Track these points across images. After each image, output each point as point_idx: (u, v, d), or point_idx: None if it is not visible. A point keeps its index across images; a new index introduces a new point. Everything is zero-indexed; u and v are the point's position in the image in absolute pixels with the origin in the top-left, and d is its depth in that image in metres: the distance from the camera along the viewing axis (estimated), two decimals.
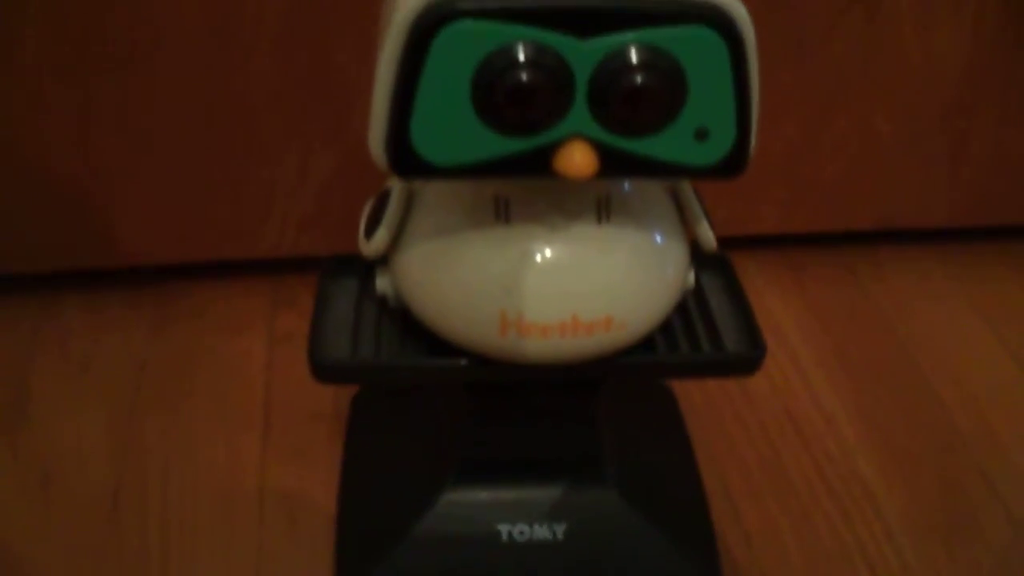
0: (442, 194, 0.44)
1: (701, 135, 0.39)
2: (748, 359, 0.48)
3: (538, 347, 0.43)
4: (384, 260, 0.47)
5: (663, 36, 0.37)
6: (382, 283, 0.47)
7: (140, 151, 0.66)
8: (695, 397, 0.65)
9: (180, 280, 0.72)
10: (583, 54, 0.37)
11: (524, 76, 0.36)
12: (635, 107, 0.37)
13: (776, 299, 0.74)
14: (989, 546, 0.58)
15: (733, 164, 0.40)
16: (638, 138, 0.38)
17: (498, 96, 0.37)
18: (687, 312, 0.50)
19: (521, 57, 0.36)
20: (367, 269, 0.49)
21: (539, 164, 0.38)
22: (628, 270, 0.43)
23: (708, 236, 0.46)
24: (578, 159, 0.38)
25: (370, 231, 0.45)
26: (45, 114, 0.63)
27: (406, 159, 0.38)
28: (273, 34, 0.62)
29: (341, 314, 0.49)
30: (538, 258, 0.42)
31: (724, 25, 0.37)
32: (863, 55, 0.69)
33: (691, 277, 0.48)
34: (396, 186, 0.44)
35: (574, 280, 0.42)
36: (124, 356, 0.67)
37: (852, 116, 0.72)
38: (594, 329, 0.43)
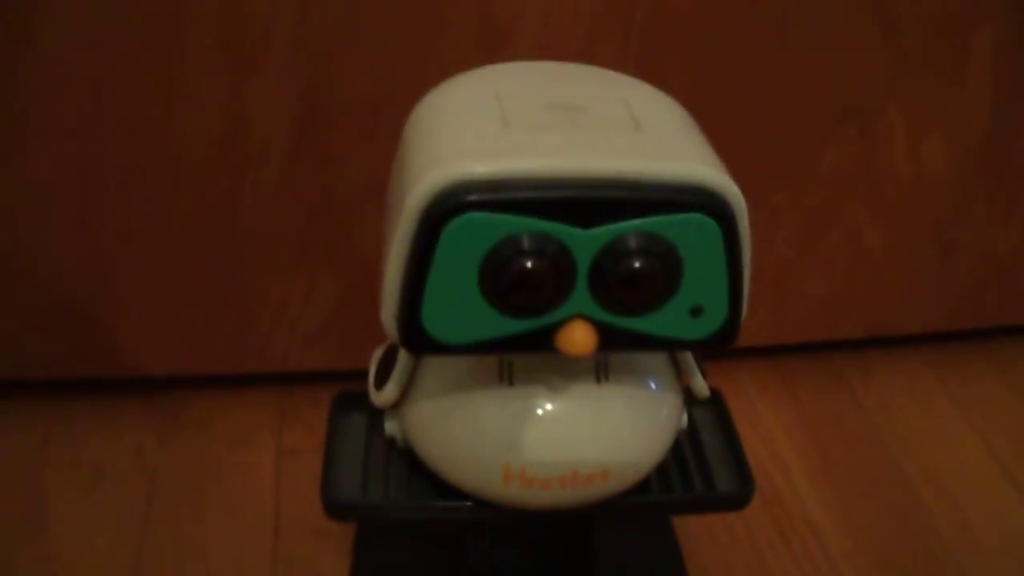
0: None
1: (696, 312, 0.41)
2: (737, 497, 0.51)
3: (540, 497, 0.45)
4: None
5: (660, 224, 0.39)
6: (391, 427, 0.49)
7: (150, 267, 0.68)
8: None
9: (189, 389, 0.74)
10: (585, 242, 0.39)
11: (529, 265, 0.39)
12: (634, 290, 0.40)
13: (767, 408, 0.77)
14: None
15: (725, 336, 0.42)
16: (636, 317, 0.41)
17: (504, 283, 0.39)
18: (681, 448, 0.52)
19: (526, 246, 0.39)
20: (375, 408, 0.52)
21: (542, 341, 0.41)
22: (626, 427, 0.46)
23: (701, 386, 0.49)
24: (579, 338, 0.40)
25: (380, 382, 0.48)
26: (54, 227, 0.65)
27: (416, 337, 0.41)
28: (281, 157, 0.64)
29: (351, 451, 0.51)
30: (540, 418, 0.44)
31: (718, 211, 0.39)
32: (854, 169, 0.72)
33: (684, 419, 0.50)
34: None
35: (574, 439, 0.45)
36: (135, 465, 0.69)
37: (842, 229, 0.74)
38: (593, 480, 0.45)
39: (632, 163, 0.39)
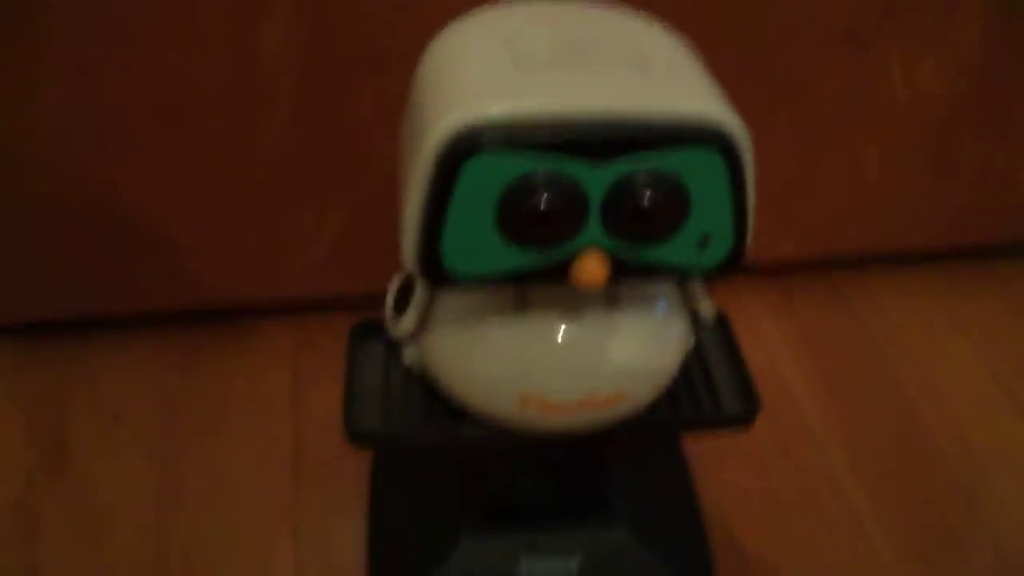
0: None
1: (703, 242, 0.43)
2: (743, 417, 0.53)
3: (556, 422, 0.47)
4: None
5: (668, 159, 0.41)
6: (409, 356, 0.51)
7: (162, 201, 0.69)
8: None
9: (205, 322, 0.76)
10: (596, 179, 0.40)
11: (544, 201, 0.40)
12: (644, 223, 0.41)
13: (769, 323, 0.79)
14: (972, 569, 0.62)
15: (731, 264, 0.44)
16: (647, 248, 0.42)
17: (521, 219, 0.40)
18: (688, 370, 0.54)
19: (540, 184, 0.40)
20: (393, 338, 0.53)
21: (557, 273, 0.42)
22: (638, 349, 0.47)
23: (708, 311, 0.50)
24: (592, 268, 0.42)
25: (398, 312, 0.49)
26: (71, 164, 0.67)
27: (437, 271, 0.42)
28: (290, 95, 0.66)
29: (370, 381, 0.53)
30: (556, 345, 0.46)
31: (723, 144, 0.41)
32: (854, 91, 0.73)
33: (692, 340, 0.52)
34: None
35: (589, 364, 0.46)
36: (155, 399, 0.71)
37: (842, 148, 0.76)
38: (608, 404, 0.47)
39: (639, 101, 0.40)
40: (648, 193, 0.41)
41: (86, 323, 0.75)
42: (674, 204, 0.41)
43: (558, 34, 0.44)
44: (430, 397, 0.52)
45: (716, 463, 0.68)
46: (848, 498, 0.66)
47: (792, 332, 0.78)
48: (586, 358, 0.46)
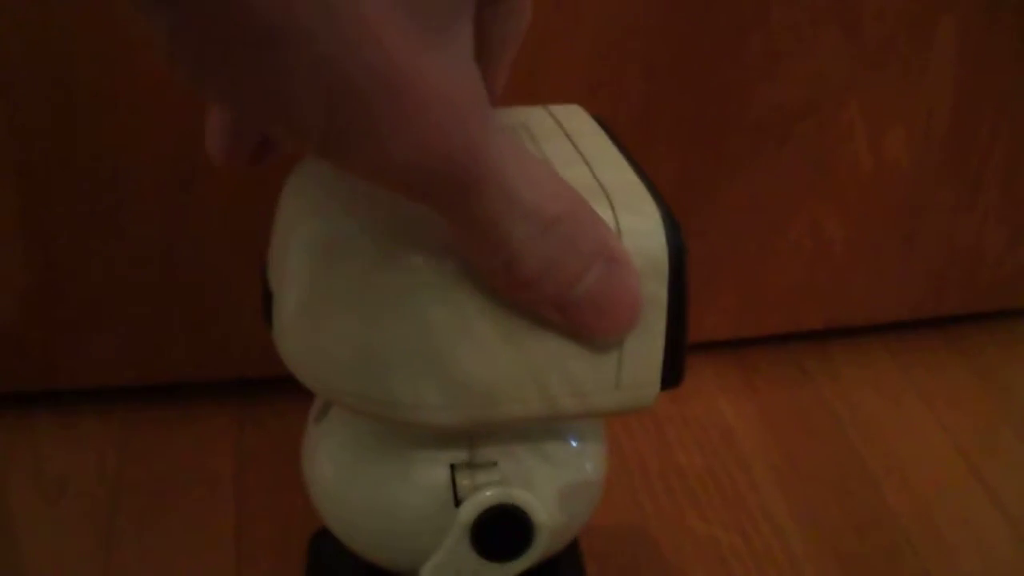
0: None
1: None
2: None
3: None
4: None
5: None
6: None
7: (106, 271, 0.68)
8: (651, 512, 0.68)
9: (149, 398, 0.74)
10: None
11: None
12: None
13: (728, 404, 0.77)
14: None
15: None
16: None
17: None
18: None
19: None
20: None
21: None
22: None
23: None
24: None
25: None
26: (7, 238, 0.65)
27: None
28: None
29: None
30: None
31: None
32: (816, 163, 0.72)
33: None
34: None
35: None
36: (98, 478, 0.69)
37: (804, 222, 0.74)
38: None
39: None
40: None
41: (31, 397, 0.73)
42: None
43: None
44: None
45: (672, 545, 0.66)
46: None
47: (752, 411, 0.76)
48: None
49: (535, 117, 0.45)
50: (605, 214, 0.38)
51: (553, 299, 0.36)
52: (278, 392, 0.69)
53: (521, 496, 0.42)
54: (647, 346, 0.40)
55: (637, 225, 0.38)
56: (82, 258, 0.66)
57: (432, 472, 0.43)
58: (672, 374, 0.41)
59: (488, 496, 0.42)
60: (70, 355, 0.71)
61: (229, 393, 0.75)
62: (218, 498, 0.68)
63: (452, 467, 0.43)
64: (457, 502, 0.43)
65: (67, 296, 0.68)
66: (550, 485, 0.44)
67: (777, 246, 0.75)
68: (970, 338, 0.84)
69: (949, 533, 0.68)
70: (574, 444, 0.46)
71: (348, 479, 0.45)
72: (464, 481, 0.43)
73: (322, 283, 0.39)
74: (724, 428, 0.75)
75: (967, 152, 0.75)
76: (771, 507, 0.69)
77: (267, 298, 0.43)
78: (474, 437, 0.43)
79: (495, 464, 0.44)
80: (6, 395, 0.73)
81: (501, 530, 0.43)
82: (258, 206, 0.64)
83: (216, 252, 0.68)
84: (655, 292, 0.39)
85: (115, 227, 0.66)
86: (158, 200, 0.65)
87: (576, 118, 0.45)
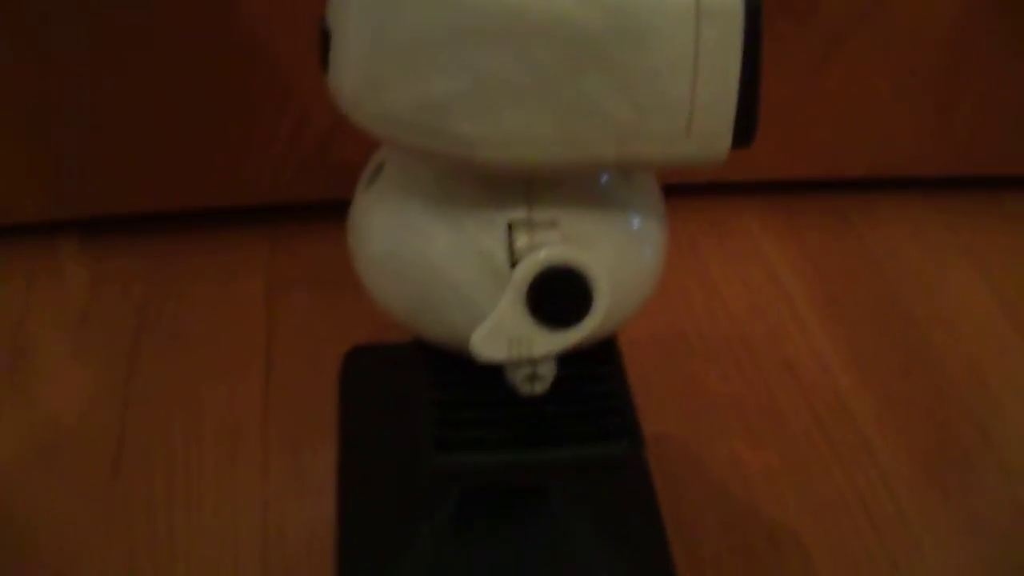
0: None
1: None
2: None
3: None
4: None
5: None
6: None
7: (135, 98, 0.65)
8: (697, 346, 0.66)
9: (178, 227, 0.72)
10: None
11: None
12: None
13: (772, 245, 0.75)
14: (982, 492, 0.59)
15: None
16: None
17: None
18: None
19: None
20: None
21: None
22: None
23: None
24: None
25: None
26: (43, 62, 0.63)
27: None
28: None
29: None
30: None
31: None
32: (860, 13, 0.70)
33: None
34: None
35: None
36: (122, 305, 0.67)
37: (847, 71, 0.72)
38: None
39: None
40: None
41: (56, 226, 0.71)
42: None
43: None
44: None
45: (720, 377, 0.65)
46: (856, 420, 0.63)
47: (795, 253, 0.74)
48: None
49: None
50: None
51: None
52: (309, 219, 0.67)
53: (582, 257, 0.40)
54: (721, 90, 0.38)
55: None
56: (106, 75, 0.64)
57: (488, 233, 0.41)
58: (744, 127, 0.39)
59: (547, 255, 0.40)
60: (96, 182, 0.68)
61: (260, 220, 0.73)
62: (248, 324, 0.66)
63: (509, 225, 0.41)
64: (513, 263, 0.41)
65: (93, 121, 0.66)
66: (610, 255, 0.42)
67: (820, 90, 0.72)
68: (1010, 199, 0.82)
69: (994, 382, 0.66)
70: (636, 223, 0.44)
71: (399, 243, 0.43)
72: (522, 239, 0.41)
73: (386, 7, 0.37)
74: (768, 268, 0.73)
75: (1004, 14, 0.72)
76: (816, 344, 0.67)
77: (324, 39, 0.40)
78: (533, 193, 0.41)
79: (555, 224, 0.41)
80: (29, 224, 0.71)
81: (558, 294, 0.41)
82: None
83: (255, 79, 0.66)
84: (731, 34, 0.37)
85: (146, 39, 0.63)
86: (191, 13, 0.63)
87: None
